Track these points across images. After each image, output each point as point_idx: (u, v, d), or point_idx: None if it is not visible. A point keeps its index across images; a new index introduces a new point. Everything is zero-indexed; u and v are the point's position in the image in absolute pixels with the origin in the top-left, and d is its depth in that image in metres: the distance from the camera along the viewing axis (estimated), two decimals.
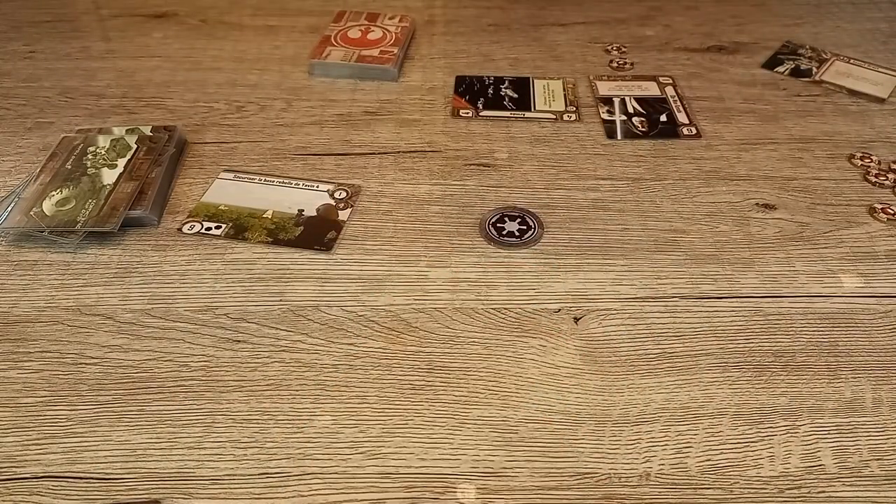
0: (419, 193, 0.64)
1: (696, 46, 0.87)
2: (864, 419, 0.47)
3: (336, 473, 0.43)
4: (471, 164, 0.68)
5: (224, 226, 0.60)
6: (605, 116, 0.74)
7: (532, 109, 0.75)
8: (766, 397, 0.48)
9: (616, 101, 0.77)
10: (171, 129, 0.68)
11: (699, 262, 0.58)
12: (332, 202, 0.63)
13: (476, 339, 0.51)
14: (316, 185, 0.65)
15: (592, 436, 0.46)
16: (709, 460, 0.44)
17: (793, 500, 0.43)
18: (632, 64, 0.83)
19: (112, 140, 0.67)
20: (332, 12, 0.90)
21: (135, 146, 0.66)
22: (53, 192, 0.61)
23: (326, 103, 0.76)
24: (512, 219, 0.61)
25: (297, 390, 0.48)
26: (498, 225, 0.61)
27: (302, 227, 0.60)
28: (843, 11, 0.95)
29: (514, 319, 0.53)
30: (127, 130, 0.68)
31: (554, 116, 0.74)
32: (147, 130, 0.68)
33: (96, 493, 0.42)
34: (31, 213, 0.59)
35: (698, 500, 0.42)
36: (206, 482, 0.43)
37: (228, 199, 0.63)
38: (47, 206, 0.59)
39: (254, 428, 0.46)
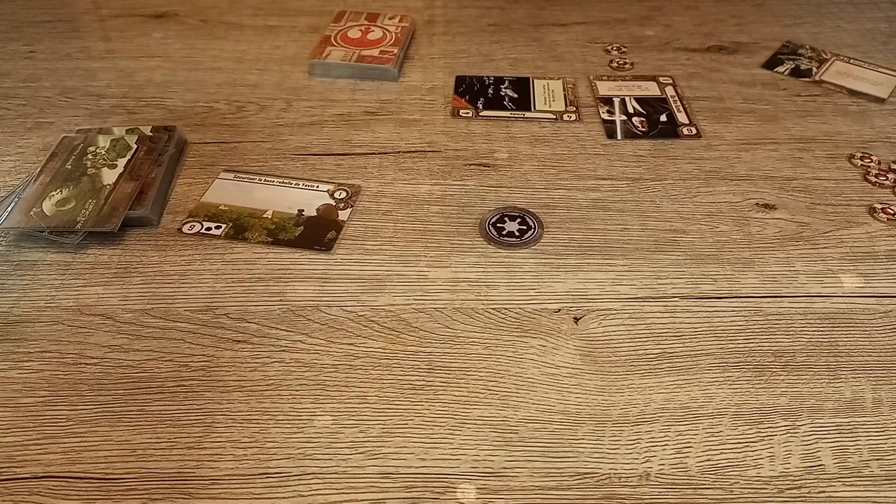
0: (419, 193, 0.64)
1: (696, 46, 0.87)
2: (864, 419, 0.47)
3: (336, 473, 0.43)
4: (471, 164, 0.68)
5: (224, 226, 0.60)
6: (605, 116, 0.74)
7: (532, 109, 0.75)
8: (766, 397, 0.48)
9: (616, 101, 0.77)
10: (171, 129, 0.68)
11: (699, 262, 0.58)
12: (332, 202, 0.63)
13: (476, 339, 0.51)
14: (316, 185, 0.65)
15: (592, 436, 0.46)
16: (709, 460, 0.44)
17: (793, 500, 0.43)
18: (632, 64, 0.83)
19: (112, 140, 0.67)
20: (332, 12, 0.90)
21: (135, 146, 0.66)
22: (53, 192, 0.61)
23: (326, 103, 0.76)
24: (512, 219, 0.61)
25: (297, 390, 0.48)
26: (498, 225, 0.61)
27: (302, 227, 0.60)
28: (843, 11, 0.95)
29: (514, 319, 0.53)
30: (127, 130, 0.68)
31: (554, 116, 0.74)
32: (147, 130, 0.68)
33: (96, 493, 0.42)
34: (32, 213, 0.59)
35: (698, 500, 0.42)
36: (206, 482, 0.43)
37: (228, 199, 0.63)
38: (47, 206, 0.59)
39: (254, 428, 0.46)
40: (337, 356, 0.50)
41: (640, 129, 0.73)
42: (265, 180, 0.65)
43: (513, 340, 0.51)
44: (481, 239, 0.59)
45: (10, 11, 0.92)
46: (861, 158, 0.69)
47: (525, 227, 0.60)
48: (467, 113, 0.75)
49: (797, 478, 0.44)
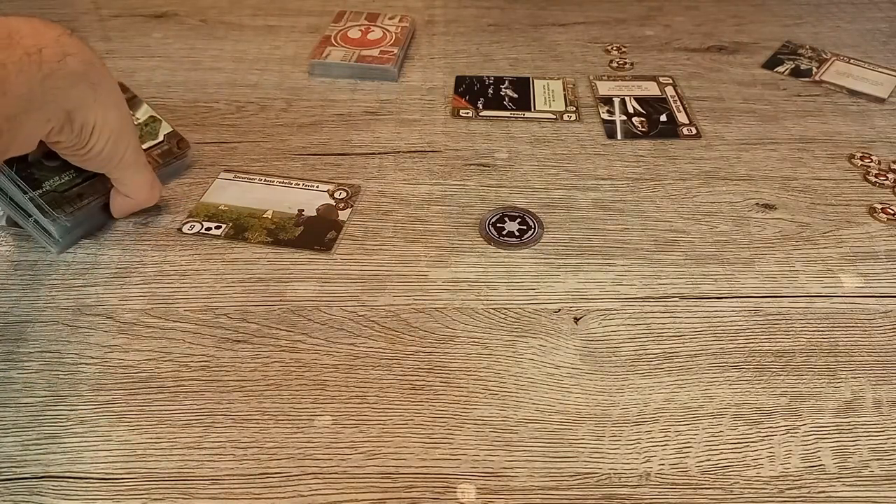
0: (419, 193, 0.64)
1: (696, 46, 0.87)
2: (864, 419, 0.47)
3: (336, 473, 0.43)
4: (471, 164, 0.68)
5: (224, 226, 0.60)
6: (605, 116, 0.74)
7: (532, 109, 0.75)
8: (766, 397, 0.48)
9: (616, 101, 0.77)
10: (183, 145, 0.66)
11: (699, 262, 0.58)
12: (332, 202, 0.63)
13: (476, 339, 0.51)
14: (316, 185, 0.65)
15: (592, 436, 0.46)
16: (709, 460, 0.44)
17: (793, 500, 0.43)
18: (632, 64, 0.83)
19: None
20: (332, 12, 0.90)
21: (162, 138, 0.64)
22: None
23: (326, 103, 0.76)
24: (512, 219, 0.61)
25: (297, 390, 0.48)
26: (498, 225, 0.61)
27: (302, 227, 0.60)
28: (843, 11, 0.95)
29: (514, 319, 0.53)
30: (150, 117, 0.65)
31: (554, 116, 0.74)
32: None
33: (96, 493, 0.42)
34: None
35: (698, 500, 0.42)
36: (206, 482, 0.43)
37: (228, 199, 0.63)
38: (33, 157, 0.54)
39: (254, 428, 0.46)
40: (337, 356, 0.50)
41: (640, 129, 0.73)
42: (265, 180, 0.65)
43: (513, 340, 0.51)
44: (481, 239, 0.59)
45: (9, 11, 0.92)
46: (861, 158, 0.69)
47: (525, 227, 0.60)
48: (467, 113, 0.75)
49: (797, 478, 0.44)
